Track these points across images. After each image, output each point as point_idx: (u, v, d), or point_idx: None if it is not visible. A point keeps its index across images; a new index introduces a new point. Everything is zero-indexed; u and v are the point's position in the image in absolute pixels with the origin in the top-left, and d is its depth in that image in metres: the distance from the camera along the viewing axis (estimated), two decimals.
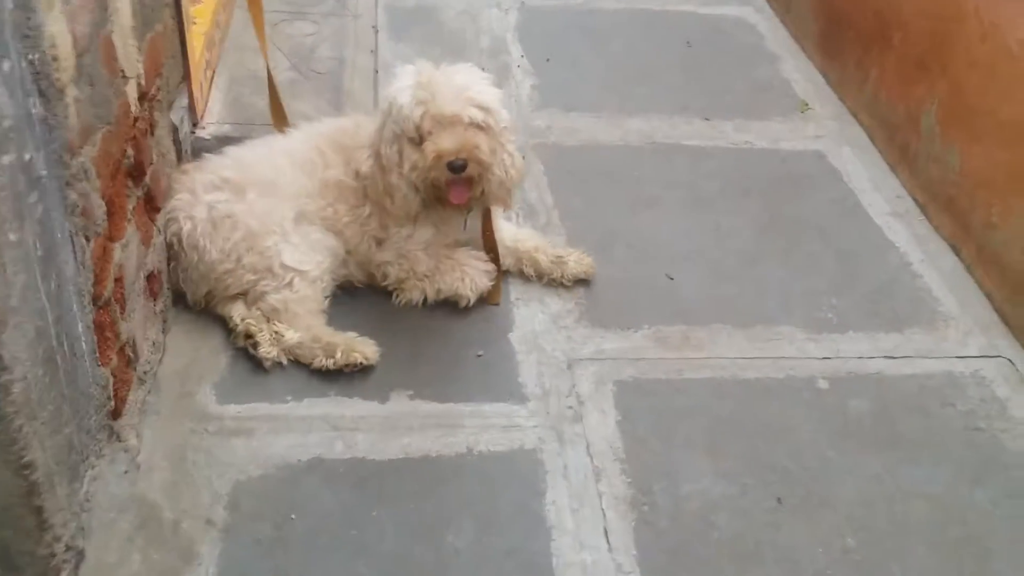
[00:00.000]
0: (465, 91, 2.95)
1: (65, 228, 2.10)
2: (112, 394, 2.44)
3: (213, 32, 3.71)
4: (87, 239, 2.24)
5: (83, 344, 2.21)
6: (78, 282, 2.18)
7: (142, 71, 2.71)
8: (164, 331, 2.98)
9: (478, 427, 2.84)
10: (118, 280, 2.49)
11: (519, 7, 5.27)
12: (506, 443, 2.80)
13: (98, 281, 2.32)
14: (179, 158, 3.19)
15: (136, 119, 2.66)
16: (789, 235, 3.75)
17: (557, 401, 2.96)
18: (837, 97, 4.70)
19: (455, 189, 3.00)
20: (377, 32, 4.62)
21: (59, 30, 2.02)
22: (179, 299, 3.11)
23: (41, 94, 1.95)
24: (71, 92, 2.11)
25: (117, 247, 2.50)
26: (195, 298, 3.07)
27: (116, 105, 2.47)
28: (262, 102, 3.48)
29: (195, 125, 3.40)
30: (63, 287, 2.08)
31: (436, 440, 2.79)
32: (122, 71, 2.53)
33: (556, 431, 2.85)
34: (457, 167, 2.92)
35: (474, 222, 3.24)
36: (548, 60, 4.83)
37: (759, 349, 3.22)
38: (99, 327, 2.36)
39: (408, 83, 2.97)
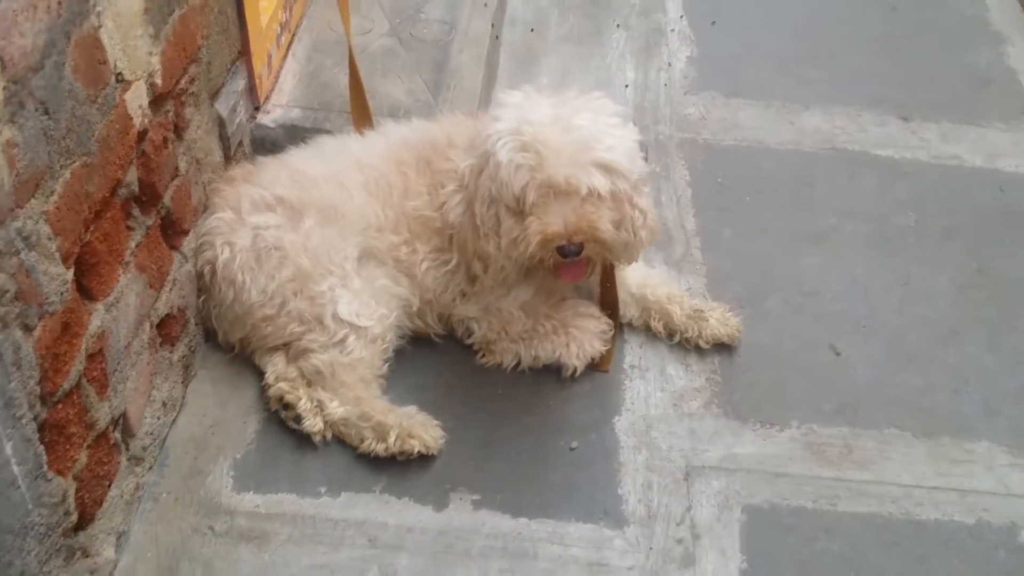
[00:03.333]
0: (586, 150, 2.20)
1: None
2: (75, 504, 1.88)
3: None
4: (27, 328, 1.64)
5: (13, 469, 1.64)
6: (6, 390, 1.60)
7: (157, 66, 2.07)
8: (185, 381, 2.41)
9: (555, 561, 2.17)
10: (95, 354, 1.90)
11: None
12: None
13: (51, 374, 1.74)
14: (228, 157, 2.57)
15: (144, 132, 2.04)
16: (1001, 301, 2.85)
17: (664, 530, 2.25)
18: None
19: (567, 270, 2.30)
20: None
21: None
22: (212, 334, 2.53)
23: None
24: None
25: (98, 310, 1.91)
26: (227, 342, 2.49)
27: (102, 125, 1.84)
28: (345, 78, 2.80)
29: (257, 109, 2.76)
30: None
31: None
32: (118, 75, 1.89)
33: None
34: (570, 253, 2.21)
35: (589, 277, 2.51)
36: (713, 23, 3.96)
37: (943, 474, 2.41)
38: (54, 427, 1.78)
39: (509, 129, 2.22)
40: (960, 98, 3.63)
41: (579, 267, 2.33)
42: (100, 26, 1.80)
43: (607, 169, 2.22)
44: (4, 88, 1.50)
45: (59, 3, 1.66)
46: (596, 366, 2.57)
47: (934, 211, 3.14)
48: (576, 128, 2.23)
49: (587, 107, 2.30)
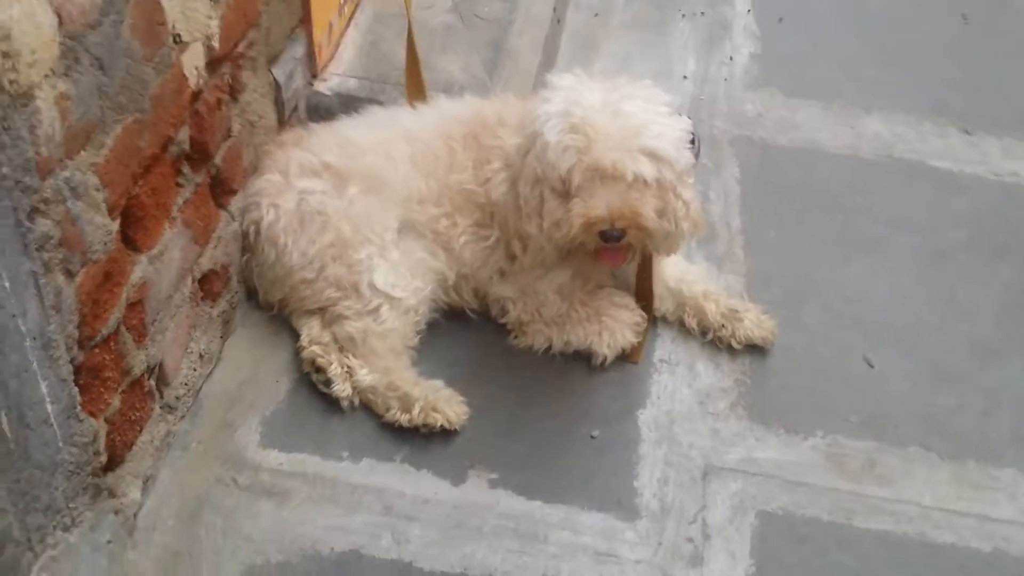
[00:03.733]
0: (634, 136, 2.20)
1: (22, 270, 1.57)
2: (105, 445, 1.95)
3: None
4: (69, 273, 1.71)
5: (47, 407, 1.71)
6: (45, 331, 1.66)
7: (217, 30, 2.12)
8: (224, 336, 2.48)
9: (564, 547, 2.20)
10: (135, 304, 1.97)
11: None
12: None
13: (90, 319, 1.80)
14: (282, 122, 2.62)
15: (198, 92, 2.09)
16: None
17: (676, 527, 2.26)
18: None
19: (608, 254, 2.31)
20: None
21: (19, 13, 1.43)
22: (253, 293, 2.59)
23: None
24: (47, 91, 1.54)
25: (141, 261, 1.97)
26: (267, 301, 2.54)
27: (157, 84, 1.90)
28: (404, 51, 2.83)
29: (315, 76, 2.80)
30: (6, 349, 1.57)
31: (507, 556, 2.17)
32: (175, 36, 1.94)
33: (664, 574, 2.17)
34: (612, 237, 2.22)
35: (627, 265, 2.52)
36: (780, 20, 3.90)
37: (965, 499, 2.37)
38: (90, 370, 1.85)
39: (558, 111, 2.24)
40: None
41: (619, 253, 2.34)
42: None
43: (654, 156, 2.22)
44: (61, 43, 1.55)
45: None
46: (626, 357, 2.57)
47: (988, 228, 3.08)
48: (625, 114, 2.24)
49: (637, 94, 2.30)
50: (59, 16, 1.53)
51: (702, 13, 3.87)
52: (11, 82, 1.44)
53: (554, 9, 3.28)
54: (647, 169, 2.20)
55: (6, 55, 1.42)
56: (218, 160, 2.27)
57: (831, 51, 3.76)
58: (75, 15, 1.57)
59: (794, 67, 3.66)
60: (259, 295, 2.55)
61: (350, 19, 3.01)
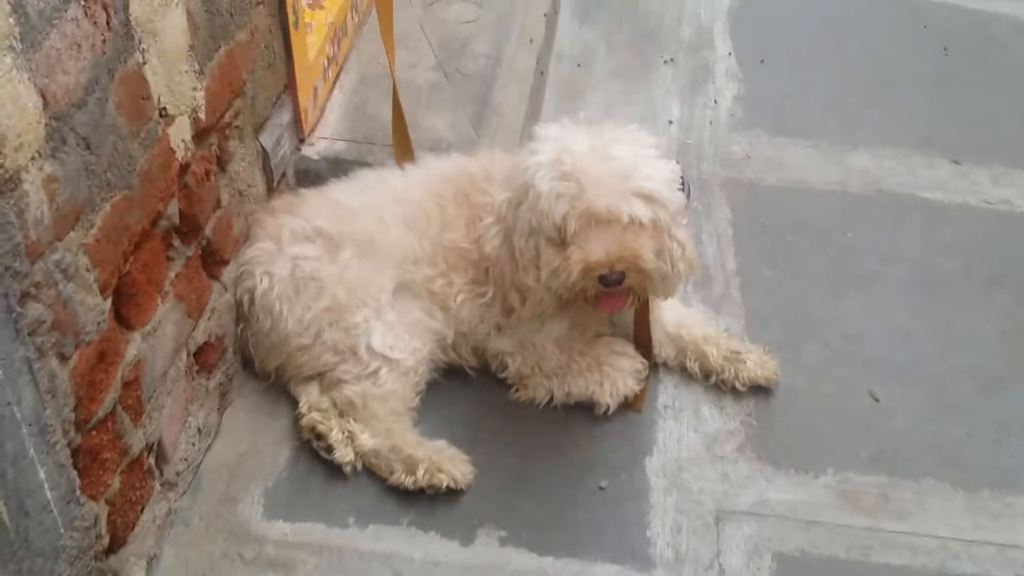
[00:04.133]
0: (626, 179, 2.20)
1: (15, 357, 1.55)
2: (106, 528, 1.91)
3: (345, 20, 3.09)
4: (63, 356, 1.68)
5: (46, 493, 1.68)
6: (41, 417, 1.64)
7: (203, 101, 2.12)
8: (221, 408, 2.45)
9: None
10: (131, 382, 1.94)
11: None
12: None
13: (86, 401, 1.78)
14: (271, 188, 2.62)
15: (186, 165, 2.09)
16: None
17: (693, 574, 2.23)
18: None
19: (607, 299, 2.30)
20: (556, 15, 3.87)
21: (4, 97, 1.43)
22: (249, 363, 2.56)
23: None
24: (33, 174, 1.53)
25: (135, 339, 1.95)
26: (263, 370, 2.52)
27: (144, 159, 1.89)
28: (390, 112, 2.84)
29: (302, 141, 2.80)
30: (3, 438, 1.54)
31: None
32: (161, 110, 1.94)
33: None
34: (612, 282, 2.20)
35: (625, 311, 2.50)
36: (762, 62, 3.94)
37: (983, 528, 2.35)
38: (88, 453, 1.82)
39: (548, 160, 2.24)
40: (1014, 141, 3.57)
41: (619, 297, 2.33)
42: (144, 63, 1.85)
43: (647, 198, 2.22)
44: (46, 125, 1.55)
45: (103, 41, 1.71)
46: (629, 405, 2.55)
47: (981, 257, 3.08)
48: (615, 158, 2.24)
49: (624, 138, 2.31)
50: (43, 97, 1.53)
51: (672, 60, 3.90)
52: None
53: (537, 61, 3.30)
54: (641, 211, 2.20)
55: None
56: (208, 232, 2.26)
57: (814, 90, 3.79)
58: (60, 95, 1.57)
59: (778, 107, 3.69)
60: (255, 364, 2.52)
61: (335, 82, 3.02)
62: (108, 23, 1.70)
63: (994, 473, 2.46)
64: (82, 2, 1.61)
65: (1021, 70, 3.96)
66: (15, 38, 1.44)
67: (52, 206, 1.59)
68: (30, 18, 1.47)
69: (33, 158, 1.52)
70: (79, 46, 1.62)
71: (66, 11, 1.57)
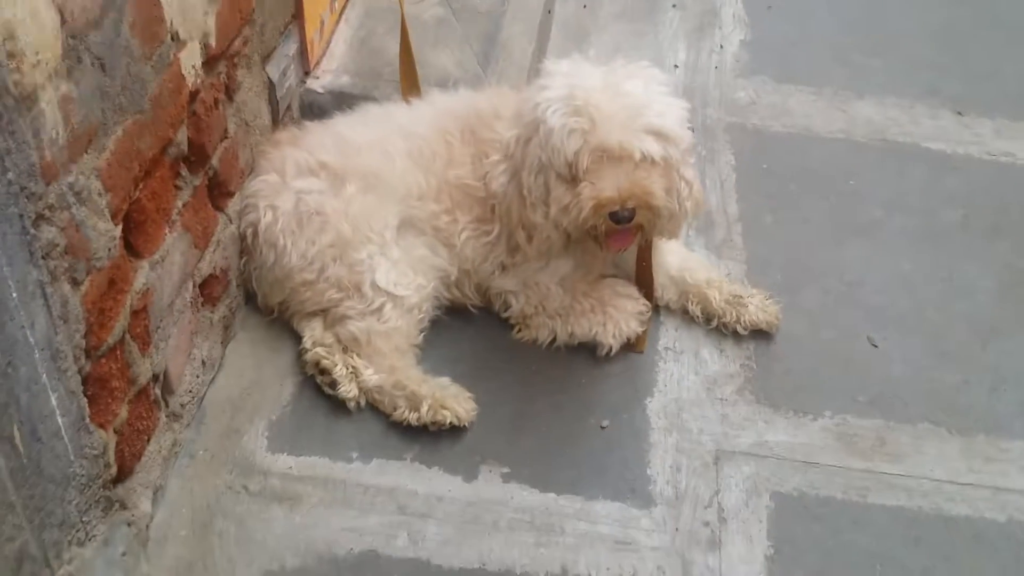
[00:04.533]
0: (638, 115, 2.18)
1: (29, 280, 1.54)
2: (114, 457, 1.92)
3: None
4: (75, 282, 1.68)
5: (57, 420, 1.68)
6: (53, 342, 1.63)
7: (213, 27, 2.09)
8: (225, 342, 2.45)
9: (581, 537, 2.19)
10: (139, 311, 1.93)
11: None
12: (612, 568, 2.14)
13: (96, 328, 1.77)
14: (276, 121, 2.59)
15: (196, 92, 2.06)
16: None
17: (692, 511, 2.26)
18: None
19: (616, 237, 2.29)
20: None
21: (24, 13, 1.40)
22: (252, 297, 2.56)
23: None
24: (50, 92, 1.51)
25: (143, 267, 1.94)
26: (267, 305, 2.51)
27: (156, 84, 1.87)
28: (396, 45, 2.80)
29: (307, 73, 2.77)
30: (16, 362, 1.54)
31: (524, 550, 2.16)
32: (173, 35, 1.91)
33: (682, 559, 2.16)
34: (622, 219, 2.19)
35: (628, 252, 2.51)
36: (769, 8, 3.91)
37: (976, 471, 2.38)
38: (98, 381, 1.82)
39: (560, 96, 2.22)
40: (1017, 94, 3.56)
41: (628, 235, 2.33)
42: None
43: (659, 135, 2.21)
44: (63, 43, 1.52)
45: None
46: (631, 347, 2.56)
47: (983, 208, 3.09)
48: (628, 94, 2.23)
49: (637, 74, 2.29)
50: (61, 15, 1.50)
51: (678, 4, 3.85)
52: (15, 83, 1.41)
53: (544, 0, 3.26)
54: (654, 148, 2.19)
55: (11, 55, 1.39)
56: (215, 161, 2.24)
57: (820, 38, 3.76)
58: (77, 13, 1.55)
59: (784, 54, 3.67)
60: (258, 299, 2.52)
61: (340, 14, 2.98)
62: None
63: (989, 419, 2.50)
64: None
65: None
66: None
67: (67, 127, 1.57)
68: None
69: (50, 76, 1.50)
70: None
71: None
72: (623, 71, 2.27)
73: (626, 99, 2.20)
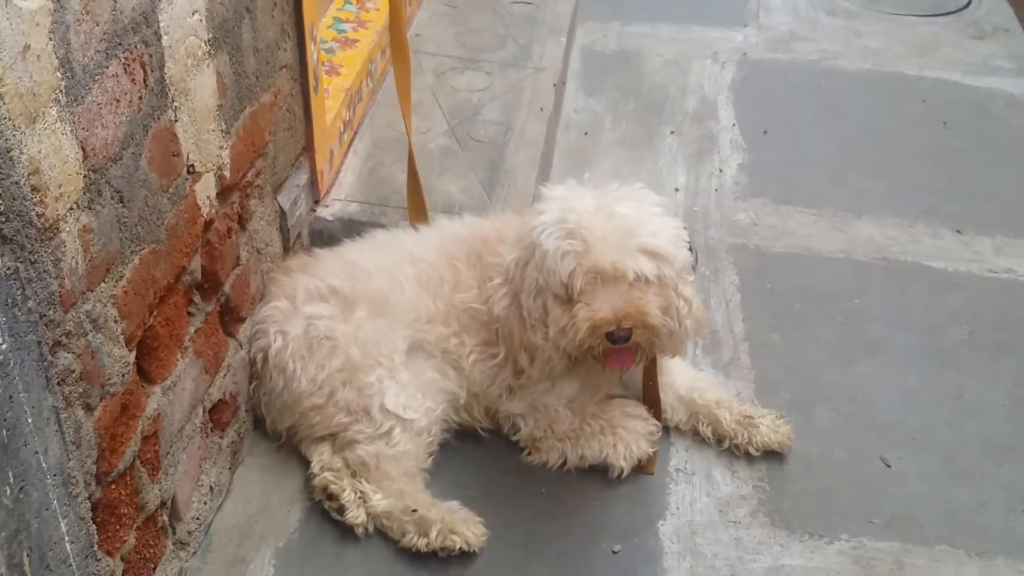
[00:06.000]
0: (630, 236, 2.23)
1: (44, 406, 1.55)
2: None
3: (360, 86, 3.15)
4: (89, 407, 1.68)
5: (66, 547, 1.66)
6: (65, 468, 1.63)
7: (228, 159, 2.15)
8: (233, 467, 2.44)
9: None
10: (149, 437, 1.94)
11: (739, 60, 4.46)
12: None
13: (107, 454, 1.77)
14: (287, 248, 2.64)
15: (210, 221, 2.11)
16: None
17: None
18: None
19: (615, 357, 2.30)
20: (563, 86, 3.94)
21: (48, 149, 1.46)
22: (260, 422, 2.55)
23: (4, 240, 1.39)
24: (71, 224, 1.56)
25: (155, 392, 1.95)
26: (275, 430, 2.51)
27: (172, 214, 1.92)
28: (403, 174, 2.88)
29: (317, 202, 2.84)
30: (29, 488, 1.53)
31: None
32: (189, 167, 1.97)
33: None
34: (619, 339, 2.21)
35: (634, 371, 2.52)
36: (765, 133, 4.01)
37: None
38: (107, 507, 1.81)
39: (554, 220, 2.27)
40: (1015, 212, 3.61)
41: (627, 354, 2.33)
42: (176, 120, 1.89)
43: (652, 254, 2.24)
44: (85, 176, 1.57)
45: (140, 98, 1.75)
46: (642, 468, 2.54)
47: (987, 325, 3.10)
48: (620, 215, 2.27)
49: (629, 196, 2.34)
50: (83, 150, 1.56)
51: (677, 130, 3.96)
52: (39, 216, 1.46)
53: (547, 129, 3.35)
54: (647, 267, 2.22)
55: (35, 189, 1.43)
56: (227, 288, 2.28)
57: (817, 161, 3.85)
58: (99, 149, 1.60)
59: (782, 177, 3.74)
60: (267, 423, 2.52)
61: (349, 146, 3.07)
62: (145, 80, 1.74)
63: (1008, 540, 2.45)
64: (123, 59, 1.65)
65: (1018, 143, 4.03)
66: (61, 91, 1.47)
67: (86, 256, 1.61)
68: (75, 72, 1.51)
69: (71, 208, 1.54)
70: (118, 101, 1.65)
71: (108, 67, 1.61)
72: (616, 194, 2.33)
73: (618, 220, 2.24)
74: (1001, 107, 4.26)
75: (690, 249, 2.44)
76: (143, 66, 1.74)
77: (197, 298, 2.13)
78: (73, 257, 1.58)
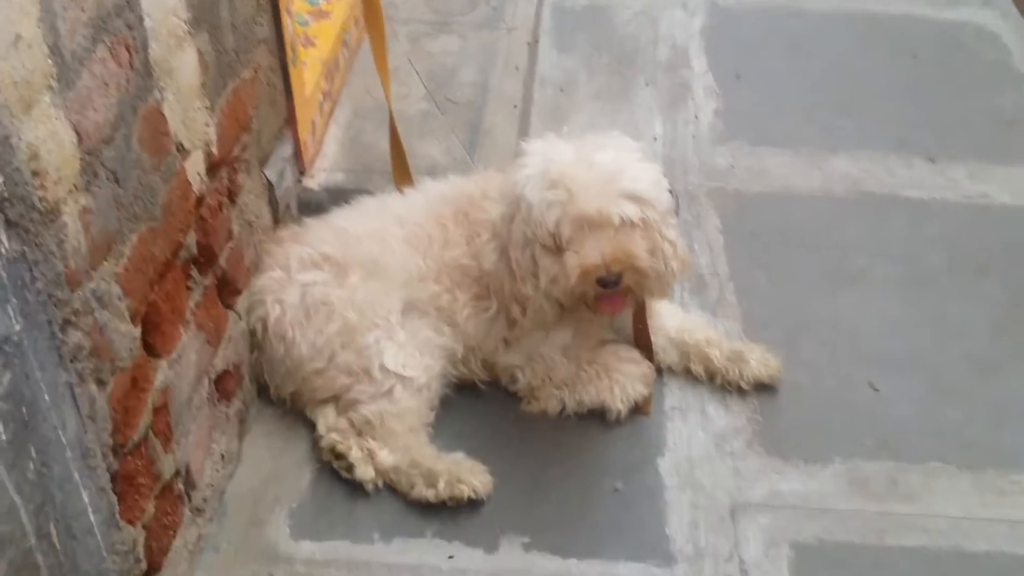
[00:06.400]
0: (612, 182, 2.29)
1: (59, 383, 1.61)
2: (144, 553, 1.96)
3: (337, 56, 3.19)
4: (101, 383, 1.74)
5: (89, 517, 1.73)
6: (83, 441, 1.69)
7: (214, 136, 2.20)
8: (241, 435, 2.50)
9: None
10: (160, 408, 2.00)
11: (708, 7, 4.48)
12: None
13: (122, 426, 1.83)
14: (276, 220, 2.69)
15: (201, 197, 2.16)
16: None
17: (713, 567, 2.29)
18: None
19: (606, 301, 2.37)
20: (536, 44, 3.98)
21: (45, 134, 1.50)
22: (264, 390, 2.61)
23: (9, 225, 1.44)
24: (71, 206, 1.60)
25: (162, 366, 2.01)
26: (279, 396, 2.57)
27: (165, 192, 1.96)
28: (385, 141, 2.93)
29: (302, 173, 2.88)
30: (51, 462, 1.59)
31: None
32: (178, 145, 2.02)
33: None
34: (609, 283, 2.28)
35: (625, 316, 2.59)
36: (738, 77, 4.05)
37: (991, 506, 2.42)
38: (125, 478, 1.88)
39: (536, 172, 2.33)
40: (987, 139, 3.67)
41: (618, 298, 2.40)
42: (163, 100, 1.93)
43: (635, 198, 2.30)
44: (80, 159, 1.62)
45: (127, 80, 1.79)
46: (638, 409, 2.62)
47: (967, 249, 3.18)
48: (600, 163, 2.33)
49: (607, 144, 2.40)
50: (78, 133, 1.60)
51: (651, 80, 4.00)
52: (41, 199, 1.50)
53: (523, 87, 3.39)
54: (631, 211, 2.28)
55: (35, 174, 1.48)
56: (223, 261, 2.33)
57: (790, 101, 3.89)
58: (91, 132, 1.64)
59: (757, 119, 3.79)
60: (270, 391, 2.58)
61: (330, 116, 3.11)
62: (131, 63, 1.78)
63: (997, 453, 2.54)
64: (108, 43, 1.69)
65: (987, 73, 4.08)
66: (53, 78, 1.51)
67: (88, 236, 1.66)
68: (65, 59, 1.55)
69: (70, 191, 1.59)
70: (107, 85, 1.69)
71: (95, 51, 1.65)
72: (595, 143, 2.39)
73: (600, 168, 2.31)
74: (970, 38, 4.30)
75: (671, 194, 2.51)
76: (128, 49, 1.78)
77: (195, 272, 2.18)
78: (75, 238, 1.63)
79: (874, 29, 4.37)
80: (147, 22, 1.86)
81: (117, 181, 1.76)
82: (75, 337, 1.65)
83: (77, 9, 1.60)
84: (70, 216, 1.60)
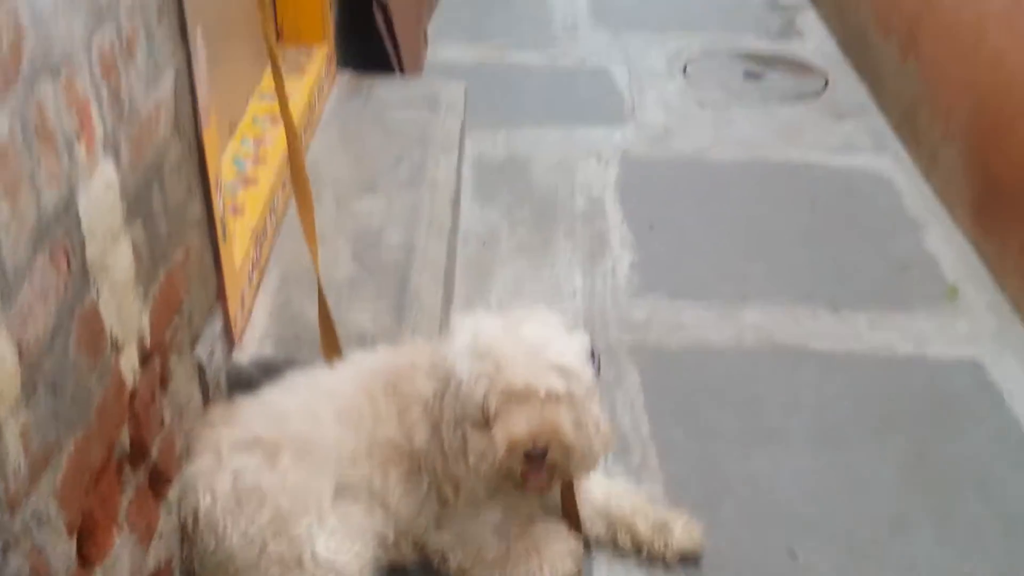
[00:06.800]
0: (538, 355, 2.38)
1: None
2: None
3: (265, 224, 3.24)
4: None
5: None
6: None
7: (147, 324, 2.22)
8: None
9: None
10: None
11: (620, 159, 4.71)
12: None
13: None
14: (207, 400, 2.68)
15: (134, 392, 2.16)
16: (943, 488, 3.02)
17: None
18: (994, 280, 3.95)
19: (534, 476, 2.42)
20: (459, 200, 4.10)
21: None
22: None
23: None
24: (12, 426, 1.60)
25: (96, 574, 1.98)
26: None
27: (100, 393, 1.97)
28: (313, 309, 2.96)
29: (232, 347, 2.89)
30: None
31: None
32: (113, 342, 2.03)
33: None
34: (536, 456, 2.34)
35: (554, 493, 2.64)
36: (651, 228, 4.24)
37: None
38: None
39: (465, 346, 2.41)
40: (885, 285, 3.90)
41: (544, 472, 2.44)
42: (99, 298, 1.94)
43: (561, 371, 2.38)
44: (21, 374, 1.62)
45: (65, 285, 1.80)
46: None
47: (871, 401, 3.34)
48: (527, 336, 2.42)
49: (532, 318, 2.50)
50: (19, 348, 1.60)
51: (570, 232, 4.15)
52: None
53: (447, 245, 3.49)
54: (557, 383, 2.35)
55: None
56: (154, 453, 2.31)
57: (701, 251, 4.09)
58: (32, 345, 1.64)
59: (671, 270, 3.96)
60: None
61: (259, 285, 3.14)
62: (69, 266, 1.80)
63: None
64: (48, 250, 1.71)
65: (880, 218, 4.35)
66: None
67: (27, 455, 1.65)
68: (7, 275, 1.56)
69: (12, 410, 1.59)
70: (47, 294, 1.71)
71: (35, 262, 1.67)
72: (520, 316, 2.49)
73: (526, 341, 2.39)
74: (865, 184, 4.60)
75: (593, 354, 2.60)
76: (66, 253, 1.80)
77: (127, 469, 2.17)
78: (16, 458, 1.61)
79: (775, 177, 4.65)
80: (84, 223, 1.87)
81: (55, 391, 1.75)
82: (15, 562, 1.63)
83: (19, 224, 1.62)
84: (11, 436, 1.59)
